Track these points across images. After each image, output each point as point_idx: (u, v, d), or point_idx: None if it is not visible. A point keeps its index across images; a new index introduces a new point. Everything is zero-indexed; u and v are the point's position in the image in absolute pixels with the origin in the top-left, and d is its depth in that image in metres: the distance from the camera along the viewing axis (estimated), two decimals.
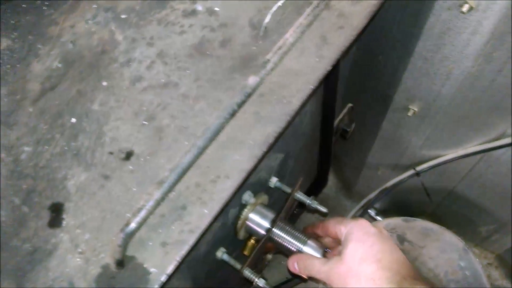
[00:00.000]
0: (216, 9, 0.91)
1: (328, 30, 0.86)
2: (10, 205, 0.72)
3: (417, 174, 1.58)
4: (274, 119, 0.77)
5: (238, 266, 0.97)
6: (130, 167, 0.75)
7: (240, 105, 0.77)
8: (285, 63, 0.83)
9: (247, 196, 0.97)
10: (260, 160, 0.75)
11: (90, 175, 0.75)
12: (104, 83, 0.84)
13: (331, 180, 2.14)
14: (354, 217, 1.92)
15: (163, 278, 0.65)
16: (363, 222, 0.84)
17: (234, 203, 0.95)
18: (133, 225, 0.64)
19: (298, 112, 0.80)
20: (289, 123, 0.78)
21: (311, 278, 0.91)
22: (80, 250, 0.68)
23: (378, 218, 1.89)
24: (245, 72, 0.83)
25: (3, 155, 0.76)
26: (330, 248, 0.93)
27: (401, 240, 1.30)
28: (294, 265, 0.89)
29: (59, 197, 0.73)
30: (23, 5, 0.89)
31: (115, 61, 0.86)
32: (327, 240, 0.95)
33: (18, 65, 0.85)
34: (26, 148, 0.77)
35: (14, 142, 0.77)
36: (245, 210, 0.98)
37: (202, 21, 0.90)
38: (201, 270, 0.98)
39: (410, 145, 1.55)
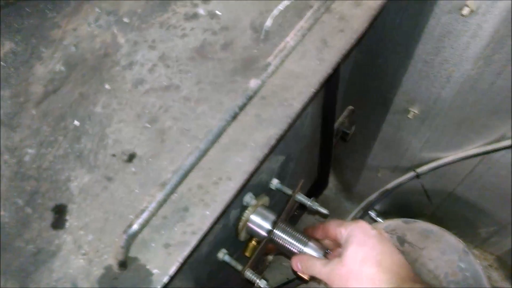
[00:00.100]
0: (218, 12, 0.92)
1: (329, 34, 0.87)
2: (14, 207, 0.73)
3: (417, 176, 1.59)
4: (275, 122, 0.78)
5: (239, 267, 0.97)
6: (133, 169, 0.75)
7: (242, 107, 0.78)
8: (286, 66, 0.83)
9: (249, 198, 0.97)
10: (262, 162, 0.76)
11: (93, 177, 0.75)
12: (107, 86, 0.84)
13: (332, 182, 2.14)
14: (355, 218, 1.92)
15: (166, 279, 0.65)
16: (363, 224, 0.85)
17: (236, 205, 0.95)
18: (135, 226, 0.64)
19: (299, 115, 0.80)
20: (290, 126, 0.79)
21: (313, 278, 0.92)
22: (83, 251, 0.68)
23: (379, 219, 1.90)
24: (246, 74, 0.84)
25: (6, 157, 0.77)
26: (330, 250, 0.93)
27: (401, 241, 1.30)
28: (297, 264, 0.90)
29: (62, 199, 0.73)
30: (26, 9, 0.89)
31: (118, 64, 0.86)
32: (326, 242, 0.96)
33: (21, 68, 0.86)
34: (29, 150, 0.77)
35: (18, 144, 0.78)
36: (247, 211, 0.98)
37: (203, 24, 0.91)
38: (203, 271, 0.98)
39: (410, 147, 1.56)
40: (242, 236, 1.02)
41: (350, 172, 2.03)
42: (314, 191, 1.71)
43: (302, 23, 0.86)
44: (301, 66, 0.83)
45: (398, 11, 1.18)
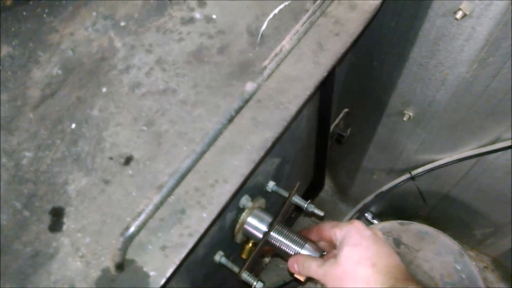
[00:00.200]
0: (214, 16, 0.92)
1: (324, 37, 0.88)
2: (12, 209, 0.73)
3: (413, 178, 1.59)
4: (271, 125, 0.78)
5: (236, 269, 0.97)
6: (130, 172, 0.76)
7: (238, 110, 0.78)
8: (282, 69, 0.84)
9: (245, 200, 0.98)
10: (258, 165, 0.76)
11: (91, 179, 0.76)
12: (104, 90, 0.85)
13: (327, 184, 2.14)
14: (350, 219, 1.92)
15: (162, 281, 0.66)
16: (358, 225, 0.85)
17: (232, 207, 0.96)
18: (132, 229, 0.65)
19: (295, 118, 0.81)
20: (286, 128, 0.80)
21: (309, 279, 0.92)
22: (80, 253, 0.69)
23: (374, 221, 1.91)
24: (242, 78, 0.84)
25: (4, 160, 0.77)
26: (326, 252, 0.94)
27: (397, 243, 1.31)
28: (294, 265, 0.90)
29: (59, 202, 0.74)
30: (23, 13, 0.90)
31: (114, 68, 0.87)
32: (322, 244, 0.96)
33: (18, 72, 0.86)
34: (27, 153, 0.78)
35: (15, 148, 0.78)
36: (243, 214, 0.99)
37: (200, 28, 0.91)
38: (200, 273, 0.99)
39: (405, 149, 1.56)
40: (239, 238, 1.03)
41: (345, 174, 2.03)
42: (310, 193, 1.71)
43: (298, 27, 0.86)
44: (297, 70, 0.84)
45: (393, 14, 1.18)
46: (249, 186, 0.98)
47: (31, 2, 0.88)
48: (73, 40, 0.90)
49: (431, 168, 1.54)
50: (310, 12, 0.88)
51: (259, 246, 0.98)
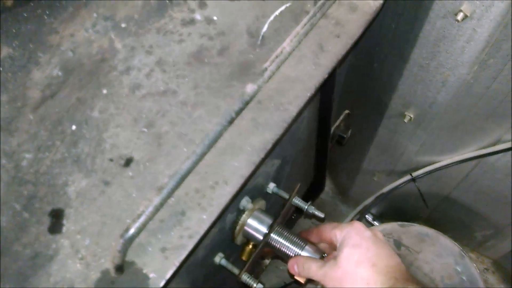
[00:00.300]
0: (214, 18, 0.92)
1: (325, 39, 0.88)
2: (11, 211, 0.73)
3: (413, 179, 1.59)
4: (271, 126, 0.78)
5: (236, 271, 0.97)
6: (130, 173, 0.76)
7: (238, 112, 0.78)
8: (283, 70, 0.84)
9: (245, 202, 0.97)
10: (258, 166, 0.76)
11: (90, 181, 0.76)
12: (104, 91, 0.84)
13: (328, 186, 2.14)
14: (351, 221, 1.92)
15: (162, 283, 0.66)
16: (358, 226, 0.85)
17: (232, 209, 0.96)
18: (132, 230, 0.64)
19: (295, 119, 0.81)
20: (287, 130, 0.80)
21: (310, 281, 0.92)
22: (80, 255, 0.69)
23: (375, 223, 1.91)
24: (243, 79, 0.84)
25: (4, 161, 0.77)
26: (326, 253, 0.94)
27: (397, 245, 1.31)
28: (294, 267, 0.90)
29: (59, 203, 0.74)
30: (24, 14, 0.90)
31: (115, 69, 0.87)
32: (322, 246, 0.96)
33: (18, 73, 0.86)
34: (27, 155, 0.78)
35: (15, 149, 0.78)
36: (243, 215, 0.99)
37: (200, 30, 0.91)
38: (199, 274, 0.98)
39: (406, 151, 1.56)
40: (239, 239, 1.02)
41: (346, 176, 2.03)
42: (310, 195, 1.71)
43: (299, 29, 0.86)
44: (297, 71, 0.84)
45: (394, 15, 1.18)
46: (249, 188, 0.97)
47: (31, 3, 0.88)
48: (73, 41, 0.90)
49: (432, 170, 1.54)
50: (310, 13, 0.88)
51: (259, 248, 0.98)
